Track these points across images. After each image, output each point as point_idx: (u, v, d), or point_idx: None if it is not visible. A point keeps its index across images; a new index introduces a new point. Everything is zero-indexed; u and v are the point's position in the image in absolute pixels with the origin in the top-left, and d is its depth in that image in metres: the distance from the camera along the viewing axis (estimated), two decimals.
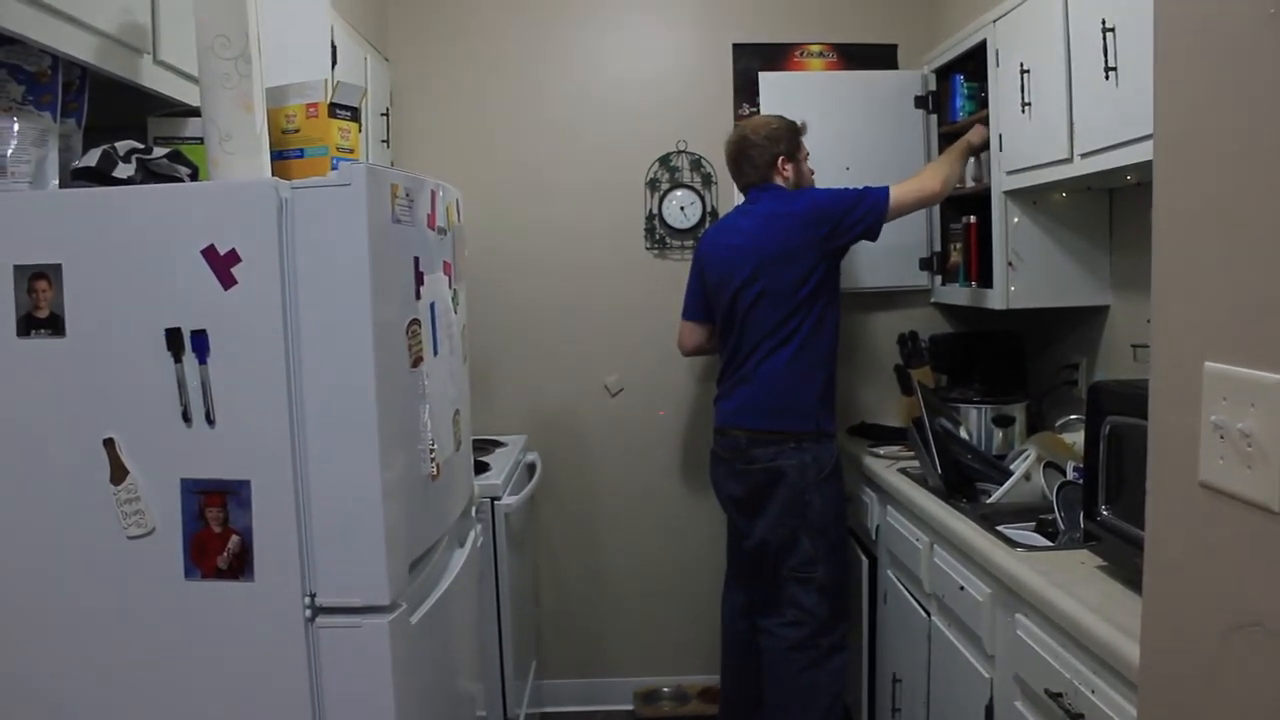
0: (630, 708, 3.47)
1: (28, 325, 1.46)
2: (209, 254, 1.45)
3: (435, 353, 1.82)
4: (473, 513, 2.29)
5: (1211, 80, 0.95)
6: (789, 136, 2.80)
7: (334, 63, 2.48)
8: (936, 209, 3.23)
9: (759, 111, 3.21)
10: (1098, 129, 2.10)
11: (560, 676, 3.52)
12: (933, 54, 3.21)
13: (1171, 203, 1.03)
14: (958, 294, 3.06)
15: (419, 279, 1.73)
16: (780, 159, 2.77)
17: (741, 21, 3.39)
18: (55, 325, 1.46)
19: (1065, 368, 2.88)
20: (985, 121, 2.77)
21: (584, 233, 3.42)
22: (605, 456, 3.48)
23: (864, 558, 2.90)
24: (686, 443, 3.47)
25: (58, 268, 1.45)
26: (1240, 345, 0.91)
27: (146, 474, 1.48)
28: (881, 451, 2.98)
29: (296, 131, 1.76)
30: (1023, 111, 2.45)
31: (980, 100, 2.92)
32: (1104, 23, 1.99)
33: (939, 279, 3.26)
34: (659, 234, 3.42)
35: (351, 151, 1.79)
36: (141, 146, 1.60)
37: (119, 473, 1.48)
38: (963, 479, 2.53)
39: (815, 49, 3.38)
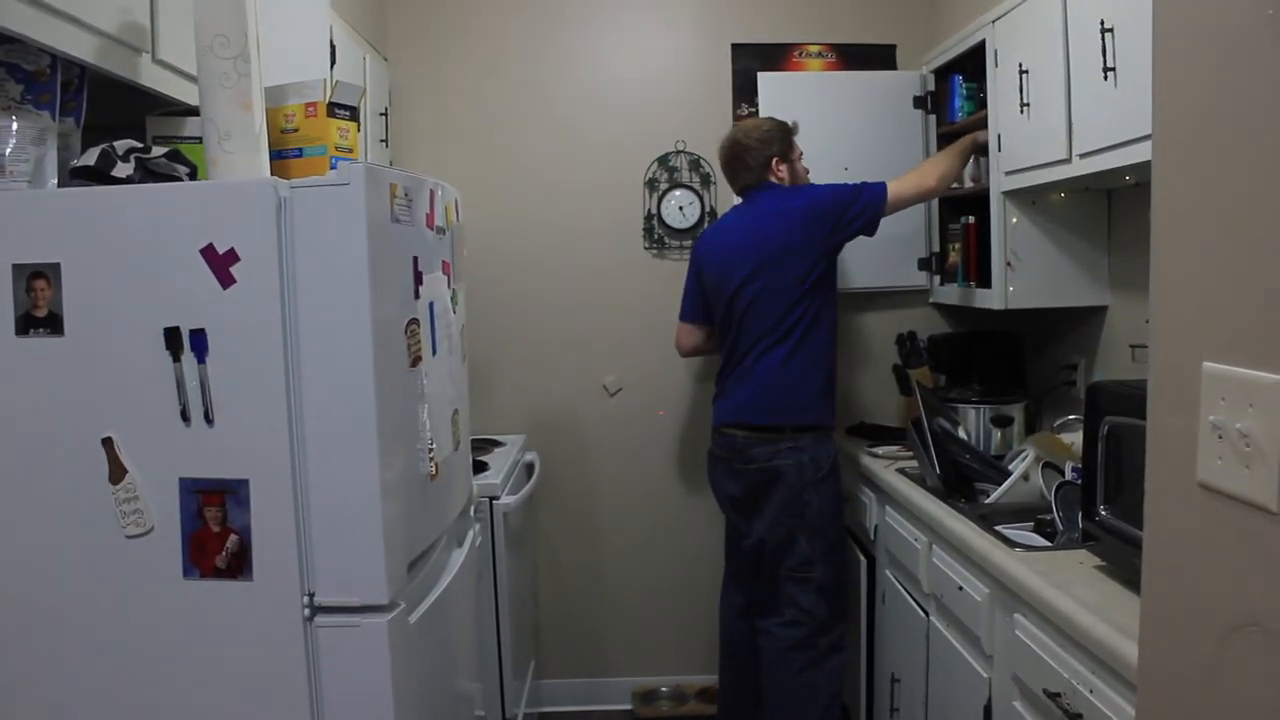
0: (629, 707, 3.47)
1: (26, 324, 1.46)
2: (208, 253, 1.45)
3: (434, 352, 1.82)
4: (471, 512, 2.29)
5: (1210, 81, 0.95)
6: (781, 137, 2.80)
7: (333, 62, 2.48)
8: (935, 209, 3.23)
9: (758, 112, 3.21)
10: (1096, 129, 2.10)
11: (559, 676, 3.52)
12: (932, 54, 3.21)
13: (1170, 203, 1.03)
14: (956, 294, 3.06)
15: (418, 278, 1.73)
16: (774, 160, 2.78)
17: (740, 21, 3.39)
18: (54, 324, 1.46)
19: (1064, 368, 2.88)
20: (985, 122, 2.77)
21: (583, 232, 3.42)
22: (604, 456, 3.48)
23: (862, 558, 2.90)
24: (685, 443, 3.47)
25: (56, 267, 1.45)
26: (1239, 345, 0.91)
27: (145, 473, 1.48)
28: (880, 451, 2.98)
29: (295, 131, 1.76)
30: (1021, 112, 2.45)
31: (979, 101, 2.92)
32: (1103, 23, 1.99)
33: (938, 279, 3.26)
34: (658, 234, 3.42)
35: (350, 151, 1.79)
36: (140, 146, 1.60)
37: (117, 472, 1.48)
38: (961, 479, 2.53)
39: (814, 49, 3.38)
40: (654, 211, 3.42)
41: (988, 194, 2.74)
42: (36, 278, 1.45)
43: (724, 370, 2.82)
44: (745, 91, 3.37)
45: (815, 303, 2.67)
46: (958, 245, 3.05)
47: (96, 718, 1.52)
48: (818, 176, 2.90)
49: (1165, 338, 1.04)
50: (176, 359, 1.46)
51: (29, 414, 1.48)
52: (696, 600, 3.45)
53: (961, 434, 2.77)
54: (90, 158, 1.52)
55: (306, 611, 1.50)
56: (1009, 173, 2.60)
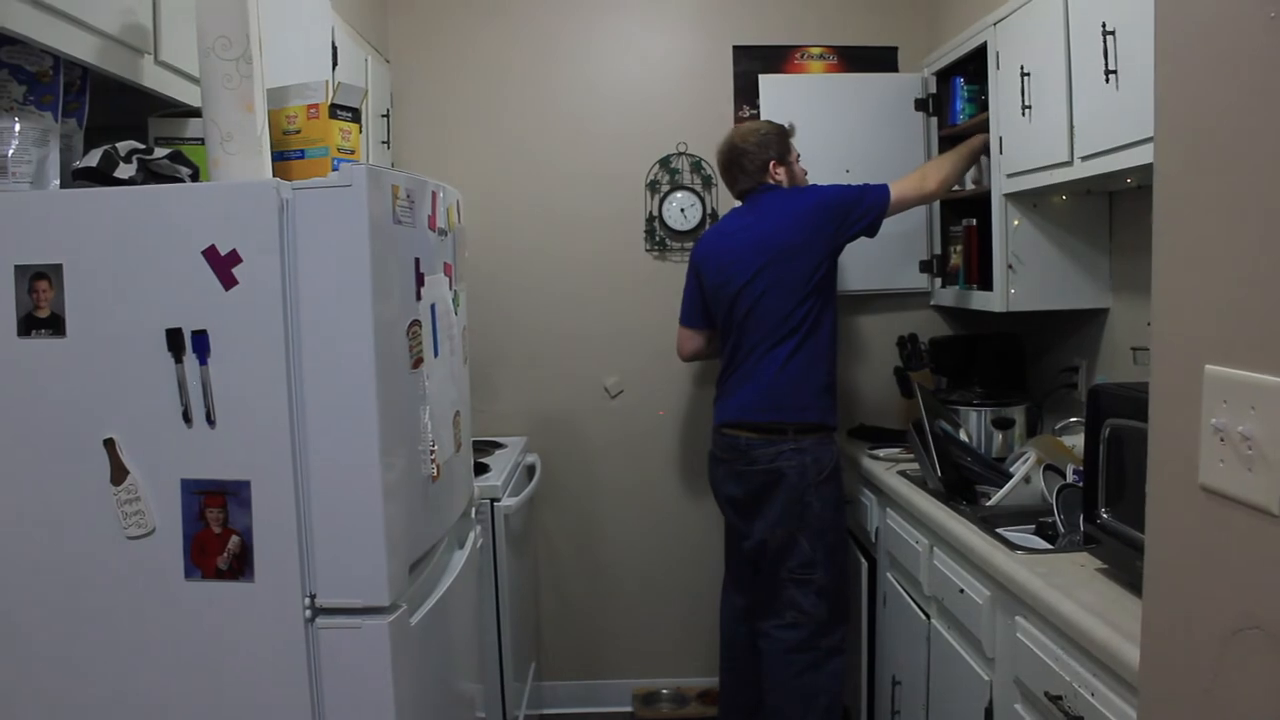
0: (629, 709, 3.47)
1: (28, 325, 1.46)
2: (210, 254, 1.45)
3: (436, 354, 1.82)
4: (473, 514, 2.29)
5: (1213, 83, 0.95)
6: (779, 140, 2.80)
7: (334, 64, 2.49)
8: (937, 212, 3.23)
9: (759, 114, 3.21)
10: (1098, 132, 2.10)
11: (559, 678, 3.52)
12: (933, 56, 3.21)
13: (1172, 205, 1.03)
14: (958, 296, 3.06)
15: (419, 280, 1.73)
16: (772, 163, 2.78)
17: (742, 24, 3.39)
18: (56, 325, 1.46)
19: (1065, 370, 2.88)
20: (986, 125, 2.77)
21: (584, 234, 3.42)
22: (605, 458, 3.48)
23: (863, 560, 2.90)
24: (687, 445, 3.47)
25: (58, 268, 1.45)
26: (1241, 348, 0.91)
27: (147, 474, 1.48)
28: (881, 454, 2.98)
29: (298, 132, 1.76)
30: (1023, 114, 2.45)
31: (980, 103, 2.92)
32: (1104, 25, 1.99)
33: (939, 281, 3.26)
34: (659, 235, 3.42)
35: (352, 152, 1.79)
36: (142, 147, 1.60)
37: (119, 473, 1.48)
38: (962, 481, 2.53)
39: (815, 51, 3.39)
40: (655, 213, 3.42)
41: (989, 196, 2.74)
42: (39, 279, 1.45)
43: (725, 371, 2.82)
44: (746, 93, 3.37)
45: (818, 303, 2.67)
46: (959, 247, 3.06)
47: (98, 718, 1.52)
48: (819, 178, 2.90)
49: (1167, 340, 1.04)
50: (178, 360, 1.46)
51: (31, 415, 1.48)
52: (697, 602, 3.45)
53: (963, 436, 2.77)
54: (93, 159, 1.52)
55: (308, 613, 1.50)
56: (1010, 175, 2.60)
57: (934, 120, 3.24)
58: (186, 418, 1.47)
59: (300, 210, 1.46)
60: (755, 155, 2.78)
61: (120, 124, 1.70)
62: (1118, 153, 2.01)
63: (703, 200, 3.40)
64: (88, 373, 1.47)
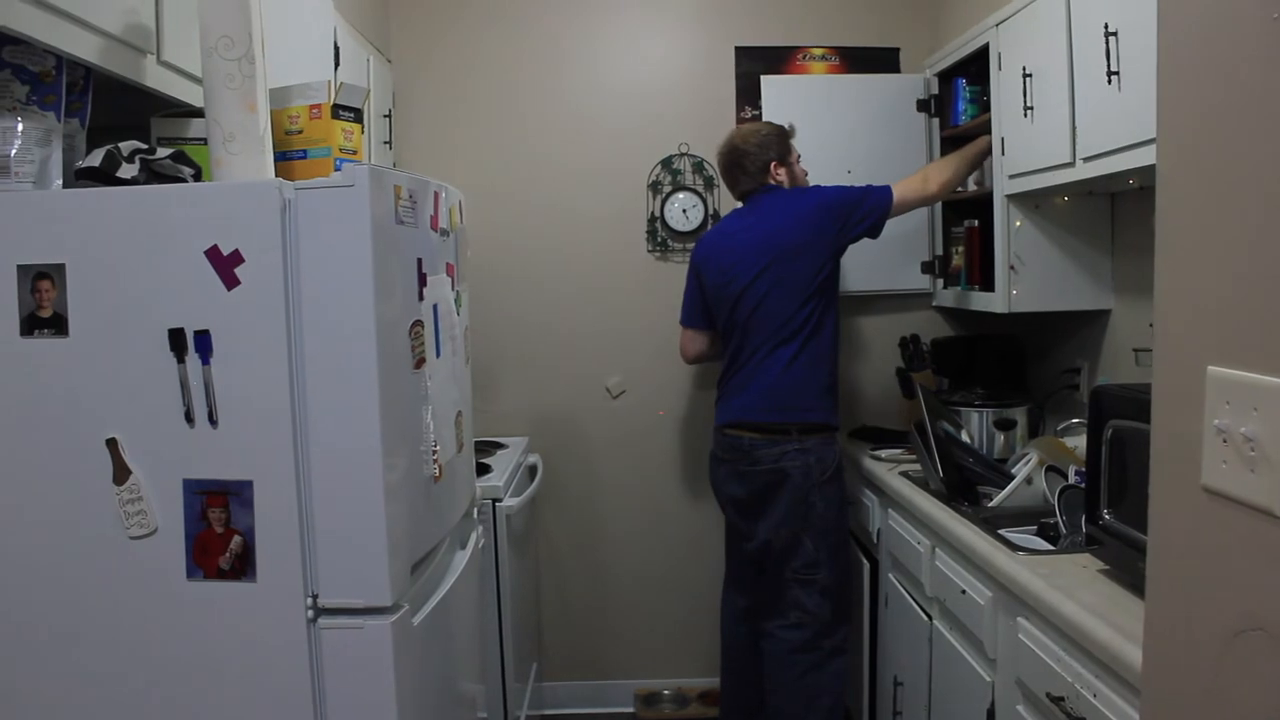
0: (631, 710, 3.47)
1: (31, 325, 1.46)
2: (212, 254, 1.45)
3: (438, 354, 1.82)
4: (474, 514, 2.29)
5: (1215, 84, 0.95)
6: (779, 141, 2.81)
7: (337, 64, 2.49)
8: (939, 213, 3.23)
9: (761, 115, 3.22)
10: (1100, 133, 2.10)
11: (561, 678, 3.52)
12: (935, 57, 3.21)
13: (1174, 207, 1.03)
14: (959, 297, 3.06)
15: (422, 280, 1.73)
16: (773, 164, 2.78)
17: (744, 24, 3.39)
18: (58, 325, 1.46)
19: (1067, 372, 2.88)
20: (988, 126, 2.77)
21: (585, 235, 3.42)
22: (607, 459, 3.48)
23: (865, 561, 2.90)
24: (689, 445, 3.47)
25: (61, 268, 1.45)
26: (1243, 349, 0.91)
27: (149, 474, 1.48)
28: (883, 455, 2.98)
29: (300, 132, 1.76)
30: (1025, 115, 2.45)
31: (982, 104, 2.92)
32: (1106, 26, 1.99)
33: (941, 282, 3.26)
34: (661, 236, 3.43)
35: (355, 153, 1.79)
36: (145, 147, 1.60)
37: (121, 473, 1.48)
38: (964, 482, 2.53)
39: (817, 52, 3.39)
40: (657, 214, 3.42)
41: (991, 197, 2.74)
42: (41, 278, 1.45)
43: (727, 372, 2.82)
44: (748, 94, 3.37)
45: (821, 304, 2.67)
46: (961, 248, 3.05)
47: (99, 718, 1.52)
48: (821, 179, 2.90)
49: (1170, 341, 1.04)
50: (181, 360, 1.46)
51: (33, 415, 1.48)
52: (699, 602, 3.45)
53: (964, 437, 2.77)
54: (95, 159, 1.53)
55: (310, 613, 1.50)
56: (1012, 176, 2.60)
57: (936, 121, 3.24)
58: (189, 418, 1.47)
59: (303, 210, 1.46)
60: (756, 156, 2.78)
61: (123, 124, 1.70)
62: (1120, 154, 2.01)
63: (705, 201, 3.40)
64: (90, 372, 1.47)
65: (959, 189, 2.94)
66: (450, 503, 1.94)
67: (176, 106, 1.80)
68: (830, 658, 2.70)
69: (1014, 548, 1.99)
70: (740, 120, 3.34)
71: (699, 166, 3.40)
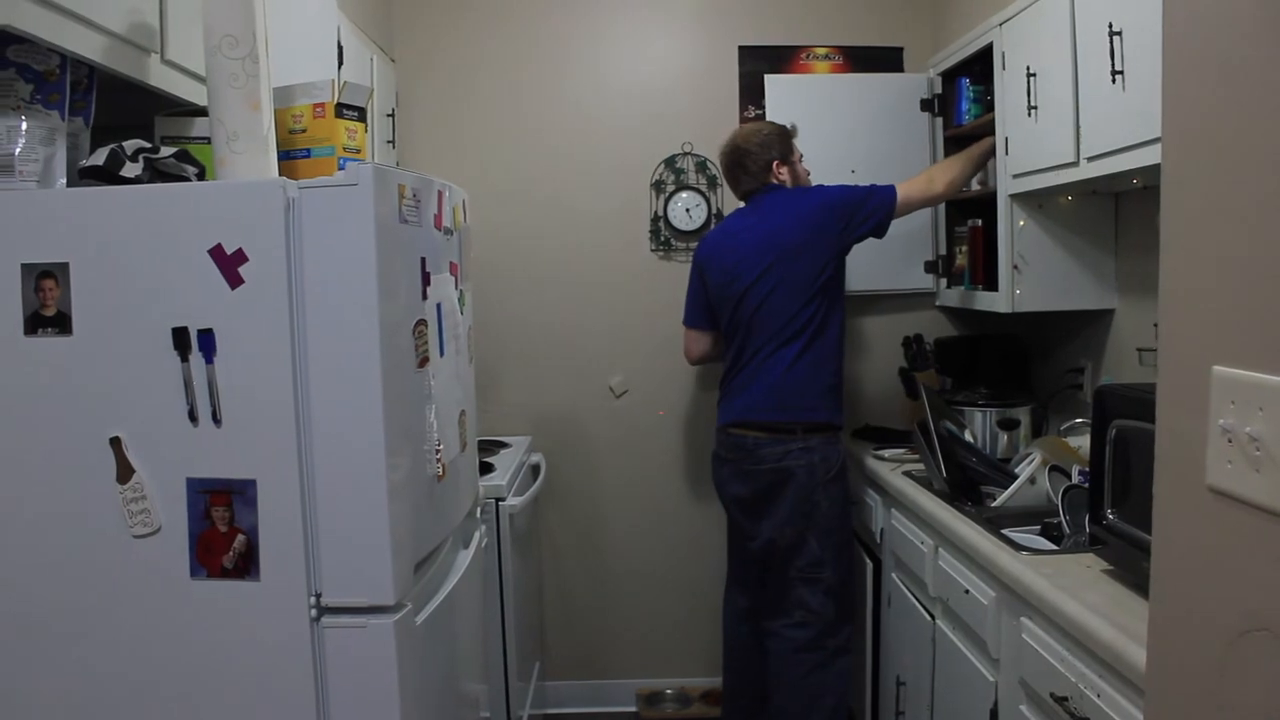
0: (633, 709, 3.47)
1: (35, 324, 1.47)
2: (216, 253, 1.45)
3: (441, 353, 1.83)
4: (477, 514, 2.29)
5: (1219, 84, 0.95)
6: (781, 141, 2.81)
7: (340, 63, 2.49)
8: (942, 212, 3.23)
9: (764, 114, 3.21)
10: (1104, 132, 2.09)
11: (564, 678, 3.52)
12: (939, 57, 3.21)
13: (1179, 206, 1.03)
14: (963, 297, 3.06)
15: (425, 279, 1.73)
16: (775, 163, 2.78)
17: (747, 24, 3.39)
18: (62, 324, 1.46)
19: (1070, 371, 2.88)
20: (992, 125, 2.77)
21: (588, 234, 3.42)
22: (609, 458, 3.48)
23: (868, 561, 2.89)
24: (692, 444, 3.47)
25: (65, 266, 1.45)
26: (1249, 349, 0.91)
27: (153, 473, 1.48)
28: (886, 454, 2.98)
29: (303, 131, 1.76)
30: (1029, 115, 2.45)
31: (986, 104, 2.92)
32: (1111, 26, 1.99)
33: (944, 282, 3.26)
34: (664, 235, 3.42)
35: (358, 152, 1.79)
36: (149, 146, 1.60)
37: (125, 472, 1.48)
38: (967, 482, 2.53)
39: (821, 51, 3.38)
40: (660, 213, 3.42)
41: (994, 197, 2.74)
42: (45, 277, 1.46)
43: (730, 372, 2.82)
44: (752, 93, 3.37)
45: (825, 304, 2.67)
46: (964, 248, 3.05)
47: (102, 717, 1.52)
48: (824, 178, 2.90)
49: (1174, 341, 1.04)
50: (184, 359, 1.46)
51: (37, 413, 1.48)
52: (701, 602, 3.45)
53: (968, 437, 2.77)
54: (99, 158, 1.53)
55: (313, 612, 1.50)
56: (1016, 176, 2.60)
57: (939, 121, 3.23)
58: (192, 416, 1.47)
59: (306, 209, 1.46)
60: (758, 156, 2.78)
61: (126, 123, 1.70)
62: (1124, 153, 2.01)
63: (708, 200, 3.40)
64: (94, 371, 1.47)
65: (963, 189, 2.94)
66: (453, 502, 1.94)
67: (180, 105, 1.80)
68: (834, 657, 2.69)
69: (1017, 547, 1.99)
70: (743, 119, 3.34)
71: (702, 166, 3.40)
